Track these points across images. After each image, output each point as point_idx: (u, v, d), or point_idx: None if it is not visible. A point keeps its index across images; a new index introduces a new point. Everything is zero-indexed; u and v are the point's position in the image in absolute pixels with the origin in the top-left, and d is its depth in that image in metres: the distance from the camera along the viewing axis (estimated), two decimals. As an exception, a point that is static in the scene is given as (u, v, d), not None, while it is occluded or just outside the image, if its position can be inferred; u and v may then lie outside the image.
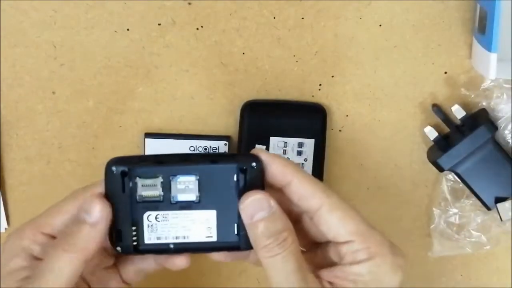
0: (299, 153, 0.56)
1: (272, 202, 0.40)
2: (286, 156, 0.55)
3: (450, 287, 0.60)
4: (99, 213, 0.40)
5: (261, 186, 0.41)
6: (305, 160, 0.56)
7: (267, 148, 0.55)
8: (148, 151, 0.56)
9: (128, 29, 0.55)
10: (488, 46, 0.50)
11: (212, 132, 0.57)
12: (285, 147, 0.56)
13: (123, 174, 0.41)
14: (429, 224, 0.58)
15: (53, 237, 0.42)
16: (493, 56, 0.50)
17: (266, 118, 0.56)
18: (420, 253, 0.59)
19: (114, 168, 0.41)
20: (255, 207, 0.40)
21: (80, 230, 0.40)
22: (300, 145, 0.56)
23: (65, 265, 0.40)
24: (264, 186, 0.41)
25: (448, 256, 0.59)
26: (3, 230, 0.58)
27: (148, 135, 0.57)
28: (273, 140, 0.56)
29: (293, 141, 0.56)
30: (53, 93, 0.56)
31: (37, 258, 0.42)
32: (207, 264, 0.59)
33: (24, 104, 0.56)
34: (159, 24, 0.55)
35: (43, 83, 0.56)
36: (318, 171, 0.56)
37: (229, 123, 0.57)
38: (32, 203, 0.58)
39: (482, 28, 0.52)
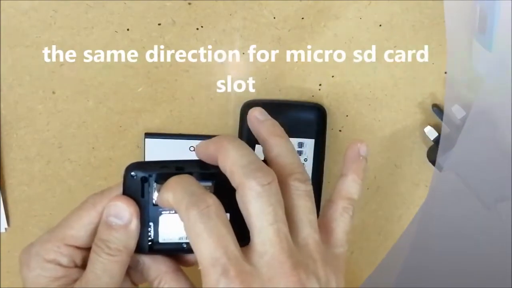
0: (299, 153, 0.56)
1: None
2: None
3: (450, 287, 0.60)
4: (128, 213, 0.41)
5: None
6: (305, 160, 0.56)
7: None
8: (148, 151, 0.56)
9: (128, 29, 0.55)
10: (488, 46, 0.50)
11: (212, 132, 0.57)
12: (285, 147, 0.55)
13: (143, 180, 0.41)
14: (429, 224, 0.59)
15: (77, 247, 0.43)
16: (493, 56, 0.50)
17: (266, 118, 0.56)
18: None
19: (133, 174, 0.41)
20: None
21: (117, 234, 0.41)
22: (300, 145, 0.56)
23: (114, 266, 0.41)
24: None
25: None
26: (3, 230, 0.58)
27: (148, 135, 0.57)
28: (273, 140, 0.55)
29: (293, 141, 0.55)
30: (53, 93, 0.56)
31: (67, 267, 0.43)
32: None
33: (24, 104, 0.56)
34: (159, 24, 0.55)
35: (43, 83, 0.56)
36: (318, 171, 0.56)
37: (229, 123, 0.57)
38: (32, 203, 0.58)
39: (482, 28, 0.52)
